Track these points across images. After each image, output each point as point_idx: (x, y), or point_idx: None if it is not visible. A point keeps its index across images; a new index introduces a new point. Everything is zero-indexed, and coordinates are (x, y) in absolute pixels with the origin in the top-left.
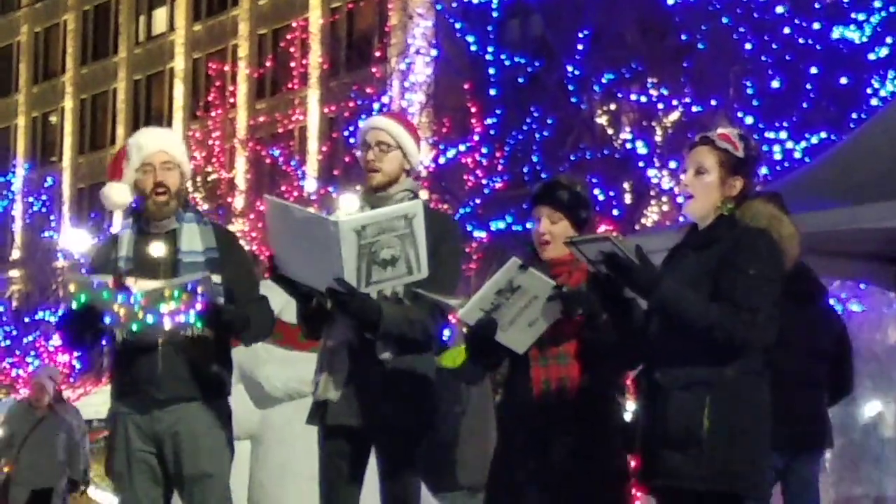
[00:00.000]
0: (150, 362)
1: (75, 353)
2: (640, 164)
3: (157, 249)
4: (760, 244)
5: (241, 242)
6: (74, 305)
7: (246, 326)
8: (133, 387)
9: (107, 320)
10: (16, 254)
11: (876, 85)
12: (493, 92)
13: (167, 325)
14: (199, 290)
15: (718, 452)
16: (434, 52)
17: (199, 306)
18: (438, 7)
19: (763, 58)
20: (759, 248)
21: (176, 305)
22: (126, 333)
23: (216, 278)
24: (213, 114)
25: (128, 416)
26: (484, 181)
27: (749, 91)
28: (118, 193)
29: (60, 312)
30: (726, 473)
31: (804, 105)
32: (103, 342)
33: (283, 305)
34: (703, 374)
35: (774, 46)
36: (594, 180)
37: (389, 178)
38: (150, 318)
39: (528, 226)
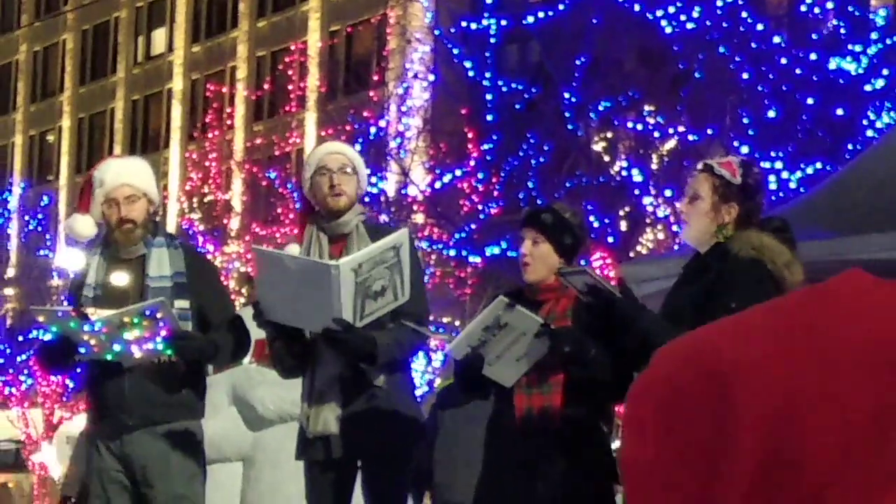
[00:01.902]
0: (118, 387)
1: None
2: (636, 191)
3: (121, 278)
4: (746, 275)
5: (217, 264)
6: (49, 336)
7: (215, 352)
8: (103, 411)
9: (81, 351)
10: (11, 272)
11: (872, 116)
12: (490, 117)
13: (136, 353)
14: (159, 315)
15: None
16: (432, 77)
17: (163, 332)
18: (437, 32)
19: (759, 87)
20: (743, 280)
21: (140, 333)
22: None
23: (184, 303)
24: (210, 135)
25: (100, 439)
26: (480, 206)
27: (745, 120)
28: (82, 225)
29: (39, 336)
30: None
31: (800, 135)
32: (78, 369)
33: None
34: None
35: (771, 76)
36: (590, 207)
37: (351, 202)
38: (116, 347)
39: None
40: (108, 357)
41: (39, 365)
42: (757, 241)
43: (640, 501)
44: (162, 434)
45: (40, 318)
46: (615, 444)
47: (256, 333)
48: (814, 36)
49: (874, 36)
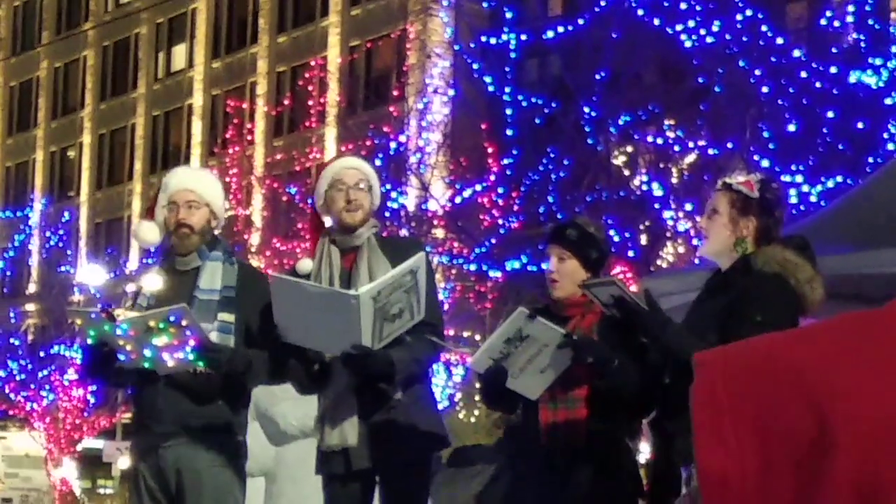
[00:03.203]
0: (152, 397)
1: (90, 388)
2: (656, 205)
3: (154, 282)
4: (769, 290)
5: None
6: (90, 341)
7: (247, 367)
8: (140, 423)
9: (121, 358)
10: (32, 287)
11: (893, 129)
12: (510, 132)
13: (169, 361)
14: (184, 322)
15: None
16: (452, 92)
17: (192, 342)
18: (456, 47)
19: (780, 101)
20: (767, 295)
21: (168, 340)
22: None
23: (229, 317)
24: (230, 150)
25: (138, 449)
26: (500, 221)
27: (765, 134)
28: (146, 231)
29: (78, 351)
30: None
31: (820, 149)
32: (122, 380)
33: None
34: None
35: (791, 90)
36: (610, 221)
37: (366, 217)
38: (147, 353)
39: (544, 266)
40: (146, 365)
41: (85, 373)
42: (780, 256)
43: None
44: (194, 447)
45: (78, 322)
46: (641, 459)
47: None
48: (834, 49)
49: (894, 49)
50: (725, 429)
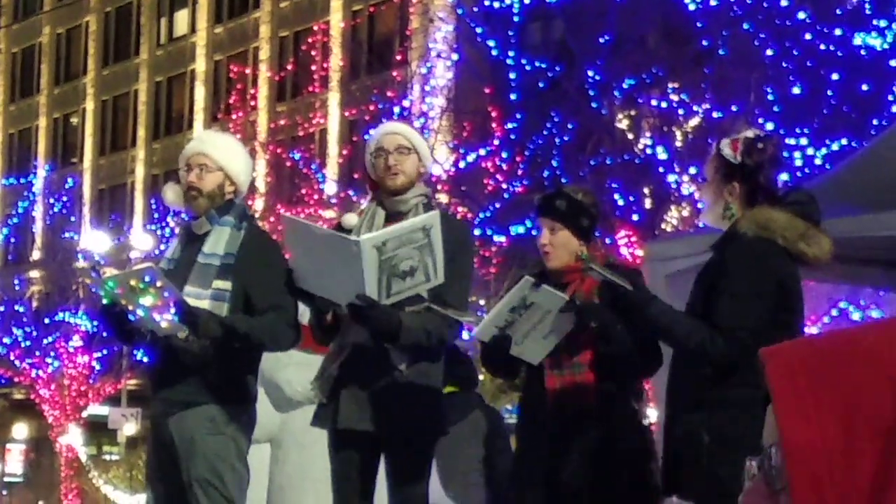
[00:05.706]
0: (157, 365)
1: (95, 354)
2: (661, 169)
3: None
4: (746, 257)
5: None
6: (104, 300)
7: (230, 335)
8: (151, 391)
9: (131, 318)
10: (36, 254)
11: None
12: (513, 96)
13: (163, 323)
14: (158, 283)
15: (719, 468)
16: (455, 56)
17: (172, 304)
18: (460, 11)
19: (784, 64)
20: (742, 263)
21: (154, 300)
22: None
23: (224, 284)
24: (233, 116)
25: (148, 420)
26: (504, 185)
27: (770, 97)
28: (171, 192)
29: (82, 317)
30: (727, 489)
31: (825, 111)
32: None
33: (303, 310)
34: (708, 393)
35: (795, 52)
36: (614, 185)
37: (410, 180)
38: (140, 312)
39: (535, 233)
40: (150, 326)
41: (105, 333)
42: (762, 217)
43: (808, 482)
44: (194, 415)
45: (88, 281)
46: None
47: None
48: (838, 11)
49: None
50: (808, 408)
